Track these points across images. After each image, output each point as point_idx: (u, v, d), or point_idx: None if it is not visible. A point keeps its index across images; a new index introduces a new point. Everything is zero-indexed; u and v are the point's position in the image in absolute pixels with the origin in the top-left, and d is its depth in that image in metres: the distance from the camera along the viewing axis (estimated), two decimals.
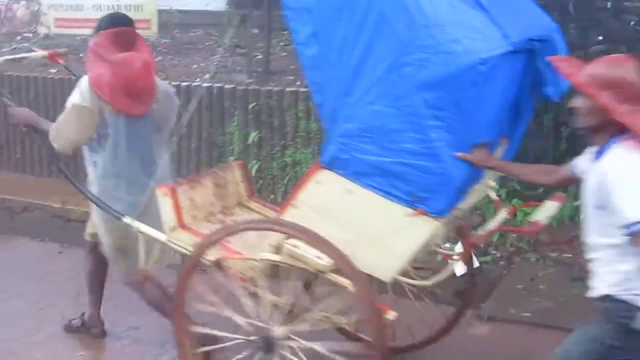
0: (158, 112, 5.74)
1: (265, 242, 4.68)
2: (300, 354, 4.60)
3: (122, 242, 5.65)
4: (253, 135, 8.91)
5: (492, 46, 4.12)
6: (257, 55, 10.43)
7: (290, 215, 4.67)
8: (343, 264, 4.41)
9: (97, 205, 5.54)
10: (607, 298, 3.77)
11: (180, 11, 13.26)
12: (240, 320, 4.74)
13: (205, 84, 9.36)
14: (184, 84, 9.41)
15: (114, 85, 5.47)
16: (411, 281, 5.44)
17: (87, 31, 10.73)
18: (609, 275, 3.74)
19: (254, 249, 4.74)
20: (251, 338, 4.74)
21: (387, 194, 4.45)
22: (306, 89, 8.24)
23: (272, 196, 8.78)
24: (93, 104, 5.49)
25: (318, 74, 4.60)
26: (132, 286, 5.84)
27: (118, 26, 5.65)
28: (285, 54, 10.77)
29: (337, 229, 4.53)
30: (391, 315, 4.50)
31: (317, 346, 4.58)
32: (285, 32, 10.93)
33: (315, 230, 4.51)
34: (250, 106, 8.92)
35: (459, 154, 4.28)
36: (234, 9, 12.54)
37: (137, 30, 5.85)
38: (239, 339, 4.79)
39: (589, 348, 3.88)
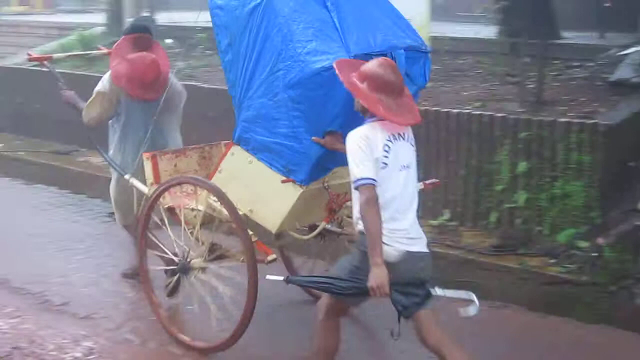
0: (168, 100, 7.50)
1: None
2: (201, 279, 6.63)
3: (122, 195, 7.86)
4: (522, 165, 8.86)
5: (334, 57, 5.59)
6: (528, 85, 10.29)
7: (216, 178, 6.61)
8: (230, 213, 6.28)
9: (110, 164, 7.91)
10: (360, 233, 5.32)
11: (451, 38, 13.31)
12: (177, 245, 6.78)
13: (475, 112, 9.40)
14: (454, 110, 9.48)
15: (129, 76, 7.51)
16: (295, 235, 7.01)
17: None
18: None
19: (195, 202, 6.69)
20: (176, 259, 6.79)
21: (271, 166, 6.22)
22: (579, 120, 8.74)
23: (538, 228, 8.77)
24: (111, 92, 7.64)
25: (231, 75, 6.38)
26: (128, 230, 8.13)
27: (137, 33, 7.86)
28: (558, 84, 10.73)
29: (243, 190, 6.43)
30: (271, 256, 6.43)
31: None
32: (557, 62, 11.63)
33: (231, 190, 6.38)
34: (521, 136, 8.90)
35: (314, 137, 5.86)
36: (505, 37, 12.77)
37: None
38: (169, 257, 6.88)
39: (344, 267, 5.49)
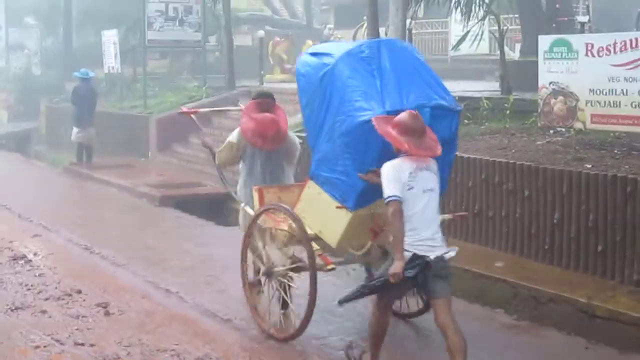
0: (285, 150, 9.52)
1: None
2: (282, 281, 8.59)
3: (244, 218, 9.55)
4: None
5: (373, 113, 7.46)
6: None
7: (298, 206, 8.47)
8: (299, 231, 8.18)
9: (233, 196, 9.94)
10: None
11: None
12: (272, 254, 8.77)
13: None
14: None
15: (254, 131, 9.31)
16: (351, 250, 8.53)
17: (623, 128, 11.41)
18: None
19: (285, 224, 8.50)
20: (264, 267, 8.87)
21: (332, 196, 8.01)
22: None
23: None
24: (239, 142, 9.53)
25: (309, 126, 8.34)
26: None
27: (262, 98, 9.64)
28: None
29: (316, 215, 8.30)
30: (331, 265, 8.53)
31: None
32: None
33: (307, 215, 8.31)
34: None
35: (360, 174, 7.58)
36: None
37: None
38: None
39: (384, 271, 7.12)
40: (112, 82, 27.44)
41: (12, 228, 14.35)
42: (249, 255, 9.22)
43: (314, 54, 8.60)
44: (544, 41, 12.58)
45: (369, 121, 7.40)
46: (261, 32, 25.96)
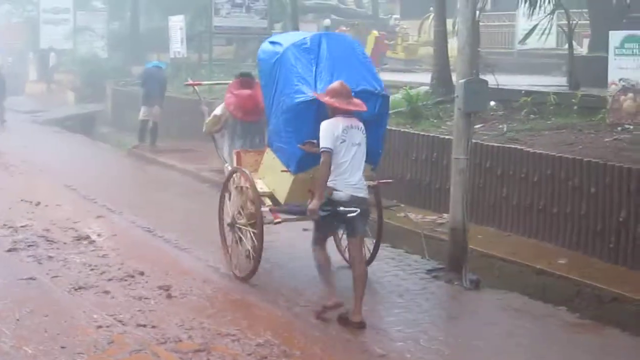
0: (263, 122, 11.04)
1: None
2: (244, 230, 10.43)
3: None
4: None
5: (306, 95, 9.35)
6: None
7: (260, 169, 10.52)
8: (251, 188, 10.08)
9: (221, 157, 12.01)
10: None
11: None
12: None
13: None
14: None
15: (235, 104, 11.46)
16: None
17: None
18: None
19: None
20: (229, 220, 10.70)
21: (281, 161, 9.85)
22: None
23: None
24: (223, 114, 11.65)
25: (266, 102, 10.34)
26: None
27: (244, 77, 11.82)
28: None
29: (272, 176, 10.17)
30: (277, 220, 9.96)
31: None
32: None
33: (266, 176, 10.31)
34: None
35: (299, 145, 9.33)
36: None
37: None
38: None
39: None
40: (178, 67, 27.61)
41: (77, 209, 14.56)
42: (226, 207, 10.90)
43: (271, 43, 10.50)
44: (615, 37, 12.43)
45: (303, 102, 9.39)
46: (327, 21, 26.02)
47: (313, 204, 8.65)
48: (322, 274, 9.08)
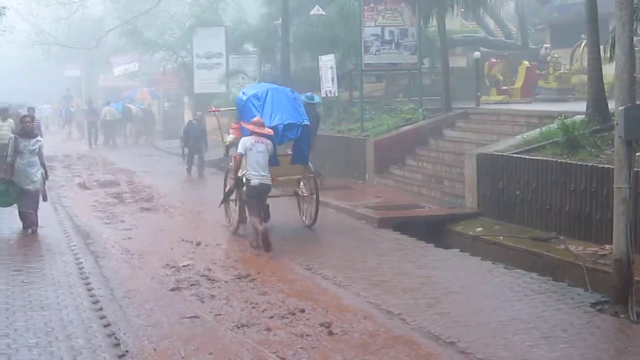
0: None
1: None
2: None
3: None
4: None
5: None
6: None
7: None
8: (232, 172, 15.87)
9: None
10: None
11: None
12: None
13: None
14: None
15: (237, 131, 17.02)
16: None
17: None
18: None
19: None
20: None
21: None
22: None
23: None
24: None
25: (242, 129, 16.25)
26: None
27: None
28: None
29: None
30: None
31: None
32: None
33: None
34: None
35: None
36: None
37: None
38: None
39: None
40: (329, 106, 27.91)
41: (235, 248, 14.83)
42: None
43: (243, 93, 17.09)
44: None
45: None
46: (477, 54, 25.83)
47: (230, 185, 16.20)
48: (255, 225, 14.73)
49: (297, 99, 16.66)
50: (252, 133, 14.79)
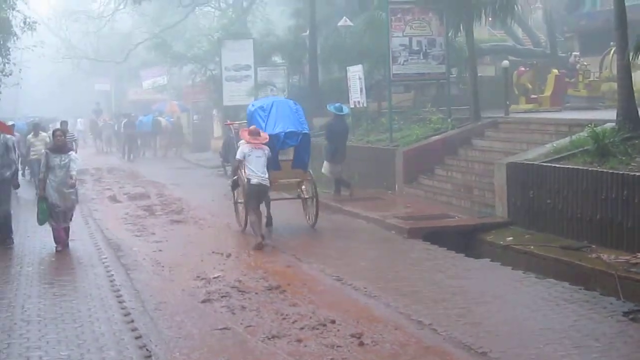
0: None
1: None
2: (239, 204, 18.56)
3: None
4: None
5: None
6: None
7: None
8: (239, 176, 17.44)
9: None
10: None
11: None
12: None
13: None
14: None
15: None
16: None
17: None
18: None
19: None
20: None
21: None
22: None
23: None
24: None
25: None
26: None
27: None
28: None
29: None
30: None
31: None
32: None
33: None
34: None
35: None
36: None
37: None
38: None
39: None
40: (358, 117, 27.92)
41: (266, 259, 14.83)
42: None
43: (252, 105, 19.37)
44: None
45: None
46: (506, 63, 25.73)
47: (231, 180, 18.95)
48: (253, 226, 16.35)
49: (299, 111, 18.65)
50: (246, 141, 16.62)
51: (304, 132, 18.04)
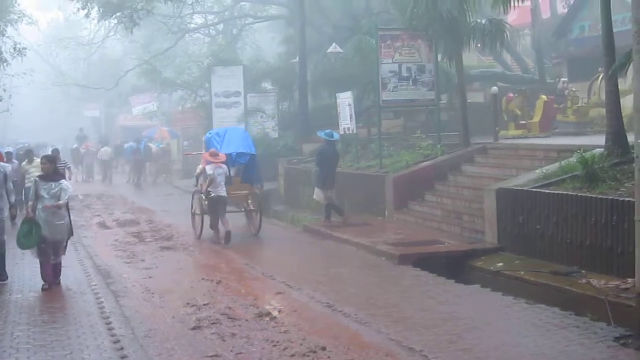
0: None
1: None
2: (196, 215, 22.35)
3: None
4: None
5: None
6: None
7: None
8: (203, 189, 21.20)
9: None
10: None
11: None
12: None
13: None
14: None
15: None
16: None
17: None
18: None
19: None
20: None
21: None
22: None
23: None
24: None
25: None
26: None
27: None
28: None
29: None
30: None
31: None
32: None
33: None
34: None
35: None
36: None
37: None
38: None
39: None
40: (348, 143, 27.96)
41: (256, 286, 14.82)
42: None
43: (209, 133, 23.98)
44: None
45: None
46: (495, 89, 25.87)
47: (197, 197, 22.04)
48: (213, 228, 20.43)
49: (248, 137, 24.30)
50: (208, 160, 20.58)
51: (251, 152, 22.78)
